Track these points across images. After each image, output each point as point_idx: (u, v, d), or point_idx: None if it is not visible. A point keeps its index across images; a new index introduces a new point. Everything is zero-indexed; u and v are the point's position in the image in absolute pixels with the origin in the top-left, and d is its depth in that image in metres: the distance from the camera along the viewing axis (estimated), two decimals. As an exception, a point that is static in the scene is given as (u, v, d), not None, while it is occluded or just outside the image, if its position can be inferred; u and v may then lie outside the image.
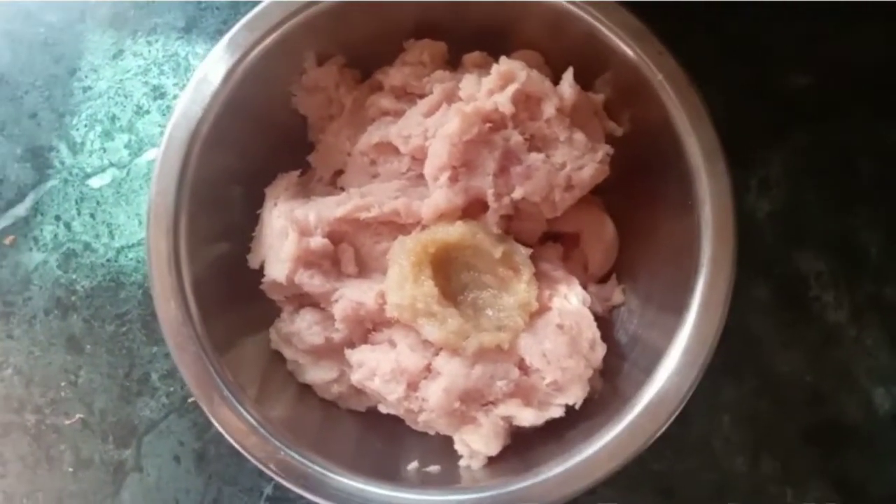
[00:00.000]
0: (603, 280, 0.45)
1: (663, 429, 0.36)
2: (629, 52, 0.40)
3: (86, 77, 0.53)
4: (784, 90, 0.51)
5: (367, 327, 0.41)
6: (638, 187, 0.43)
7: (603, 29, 0.40)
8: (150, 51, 0.53)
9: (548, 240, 0.44)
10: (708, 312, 0.37)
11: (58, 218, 0.51)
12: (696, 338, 0.37)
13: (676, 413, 0.36)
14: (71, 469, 0.48)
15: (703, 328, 0.37)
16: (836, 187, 0.50)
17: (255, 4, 0.41)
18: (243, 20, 0.40)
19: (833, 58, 0.52)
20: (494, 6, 0.42)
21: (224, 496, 0.47)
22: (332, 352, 0.42)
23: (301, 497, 0.46)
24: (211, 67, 0.40)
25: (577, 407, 0.38)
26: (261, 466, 0.37)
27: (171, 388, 0.49)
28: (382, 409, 0.41)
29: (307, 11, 0.41)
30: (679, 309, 0.38)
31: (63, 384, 0.49)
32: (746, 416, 0.48)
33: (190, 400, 0.48)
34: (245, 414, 0.38)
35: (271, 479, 0.46)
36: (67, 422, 0.49)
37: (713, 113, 0.40)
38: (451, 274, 0.40)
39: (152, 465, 0.48)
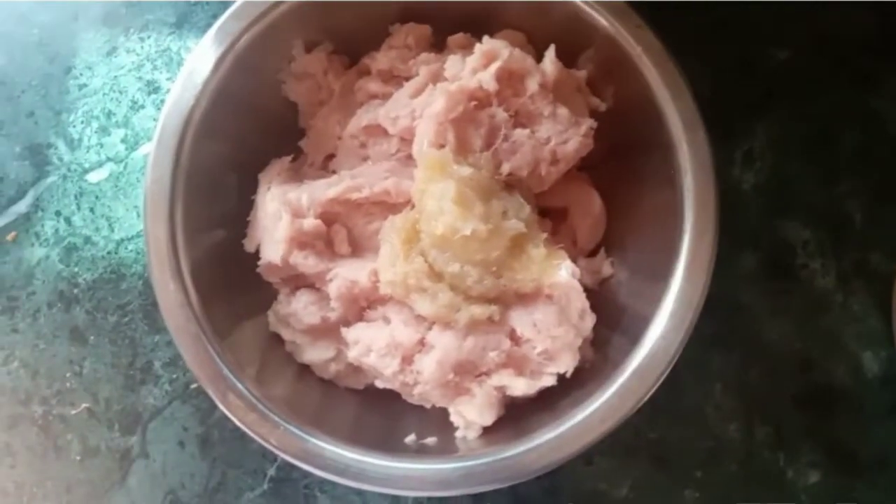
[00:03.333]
0: (592, 254, 0.46)
1: (652, 391, 0.37)
2: (609, 27, 0.41)
3: (80, 75, 0.54)
4: (766, 64, 0.52)
5: (362, 305, 0.42)
6: (623, 161, 0.44)
7: (584, 6, 0.41)
8: (142, 47, 0.54)
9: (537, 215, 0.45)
10: (692, 277, 0.38)
11: (58, 213, 0.52)
12: (682, 302, 0.38)
13: (664, 376, 0.37)
14: (78, 457, 0.49)
15: (688, 293, 0.38)
16: (819, 158, 0.51)
17: (244, -3, 0.42)
18: (231, 9, 0.42)
19: (812, 32, 0.53)
20: (477, -11, 0.43)
21: (228, 478, 0.48)
22: (329, 331, 0.42)
23: (304, 476, 0.48)
24: (200, 58, 0.41)
25: (568, 375, 0.39)
26: (261, 441, 0.38)
27: (174, 376, 0.50)
28: (379, 384, 0.42)
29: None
30: (665, 276, 0.39)
31: (68, 375, 0.50)
32: (738, 384, 0.48)
33: (193, 386, 0.50)
34: (245, 392, 0.39)
35: (274, 460, 0.48)
36: (73, 411, 0.50)
37: (697, 89, 0.40)
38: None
39: (157, 451, 0.49)
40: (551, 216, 0.45)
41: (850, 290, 0.49)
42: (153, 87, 0.54)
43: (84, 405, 0.50)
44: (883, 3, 0.52)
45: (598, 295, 0.44)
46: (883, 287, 0.49)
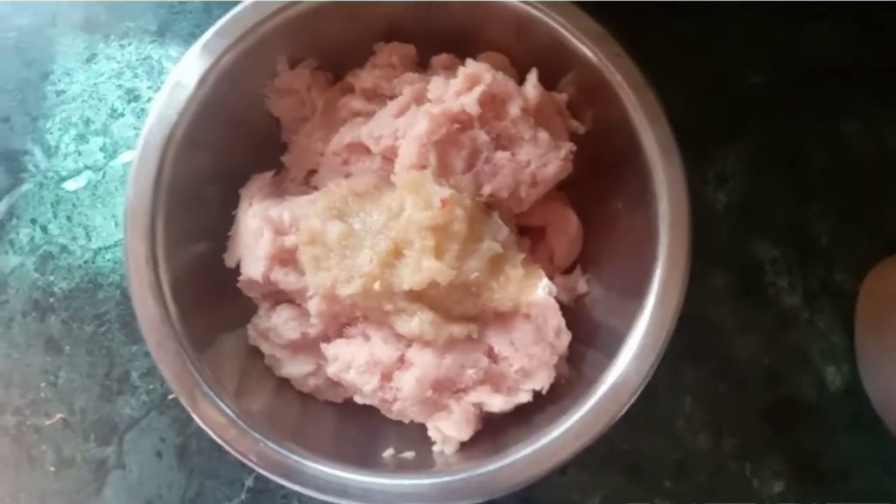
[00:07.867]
0: (568, 271, 0.47)
1: (625, 409, 0.38)
2: (590, 54, 0.41)
3: (59, 81, 0.53)
4: (739, 88, 0.54)
5: (342, 322, 0.42)
6: (600, 182, 0.45)
7: (565, 32, 0.42)
8: (123, 54, 0.54)
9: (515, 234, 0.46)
10: (665, 299, 0.39)
11: (34, 221, 0.52)
12: (655, 323, 0.39)
13: (637, 394, 0.38)
14: (53, 468, 0.49)
15: (661, 314, 0.39)
16: (789, 179, 0.53)
17: (227, 7, 0.42)
18: (216, 26, 0.41)
19: (785, 56, 0.54)
20: (461, 10, 0.44)
21: (206, 489, 0.49)
22: (309, 346, 0.43)
23: (281, 487, 0.48)
24: (185, 72, 0.41)
25: (544, 392, 0.40)
26: (241, 458, 0.38)
27: (151, 386, 0.50)
28: (358, 399, 0.43)
29: (279, 16, 0.42)
30: (639, 296, 0.40)
31: (43, 385, 0.50)
32: (707, 397, 0.50)
33: (170, 397, 0.49)
34: (224, 408, 0.39)
35: (252, 470, 0.48)
36: (48, 422, 0.49)
37: (672, 111, 0.41)
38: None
39: (134, 462, 0.49)
40: (530, 234, 0.46)
41: (816, 307, 0.51)
42: (133, 96, 0.53)
43: (59, 415, 0.49)
44: (852, 29, 0.54)
45: (573, 312, 0.45)
46: (846, 305, 0.51)
